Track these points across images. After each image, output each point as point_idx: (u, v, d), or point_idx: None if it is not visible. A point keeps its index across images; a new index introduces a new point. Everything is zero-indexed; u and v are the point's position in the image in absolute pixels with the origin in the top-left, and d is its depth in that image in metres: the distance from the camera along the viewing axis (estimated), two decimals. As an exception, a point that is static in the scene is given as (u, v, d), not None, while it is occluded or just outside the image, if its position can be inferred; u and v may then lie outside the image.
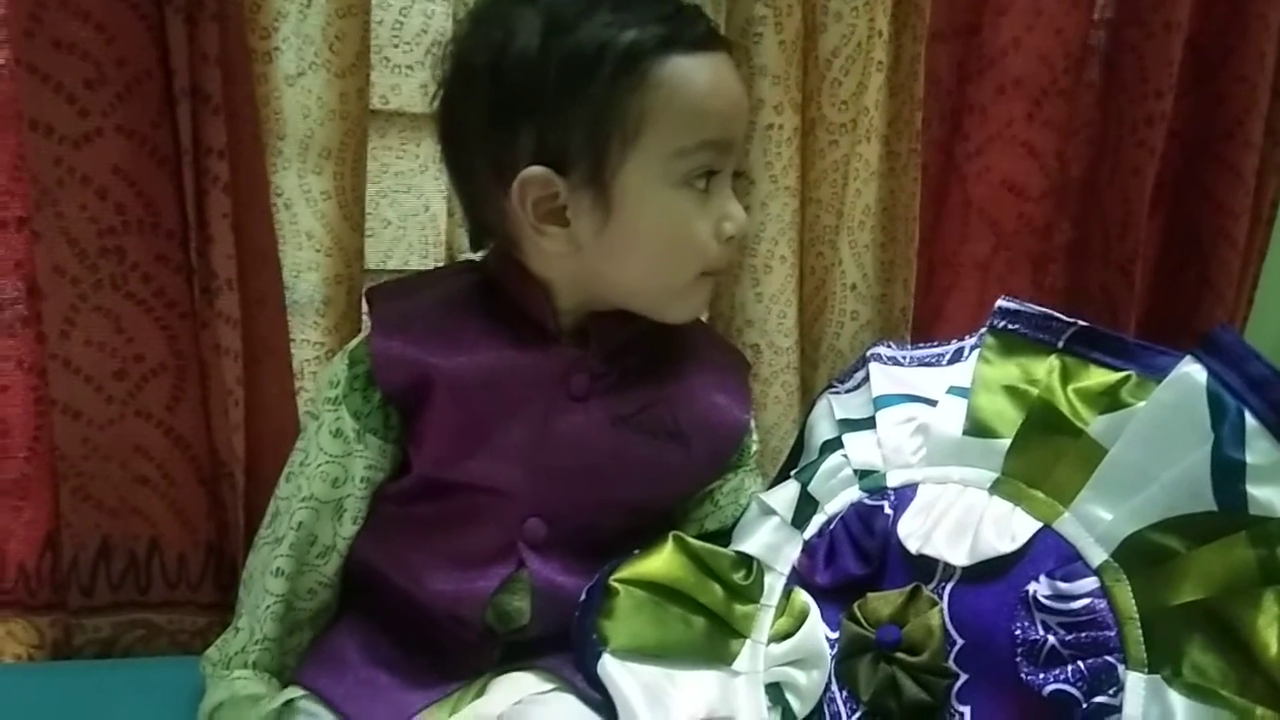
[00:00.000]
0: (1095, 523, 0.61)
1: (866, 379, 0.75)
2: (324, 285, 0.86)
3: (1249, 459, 0.56)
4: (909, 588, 0.65)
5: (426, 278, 0.78)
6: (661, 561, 0.69)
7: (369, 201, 0.88)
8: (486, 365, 0.69)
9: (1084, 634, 0.58)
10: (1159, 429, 0.60)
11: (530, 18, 0.65)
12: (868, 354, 0.77)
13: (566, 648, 0.70)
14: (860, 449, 0.72)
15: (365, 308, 0.78)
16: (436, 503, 0.72)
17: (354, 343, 0.72)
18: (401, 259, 0.95)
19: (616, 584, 0.68)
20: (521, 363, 0.70)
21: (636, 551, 0.70)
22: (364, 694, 0.70)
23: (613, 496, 0.72)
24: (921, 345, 0.77)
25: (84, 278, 0.78)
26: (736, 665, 0.69)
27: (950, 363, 0.73)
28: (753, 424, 0.78)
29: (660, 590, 0.69)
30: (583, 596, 0.69)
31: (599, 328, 0.71)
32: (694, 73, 0.66)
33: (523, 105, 0.66)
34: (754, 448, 0.79)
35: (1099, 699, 0.57)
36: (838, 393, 0.77)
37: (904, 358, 0.76)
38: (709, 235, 0.69)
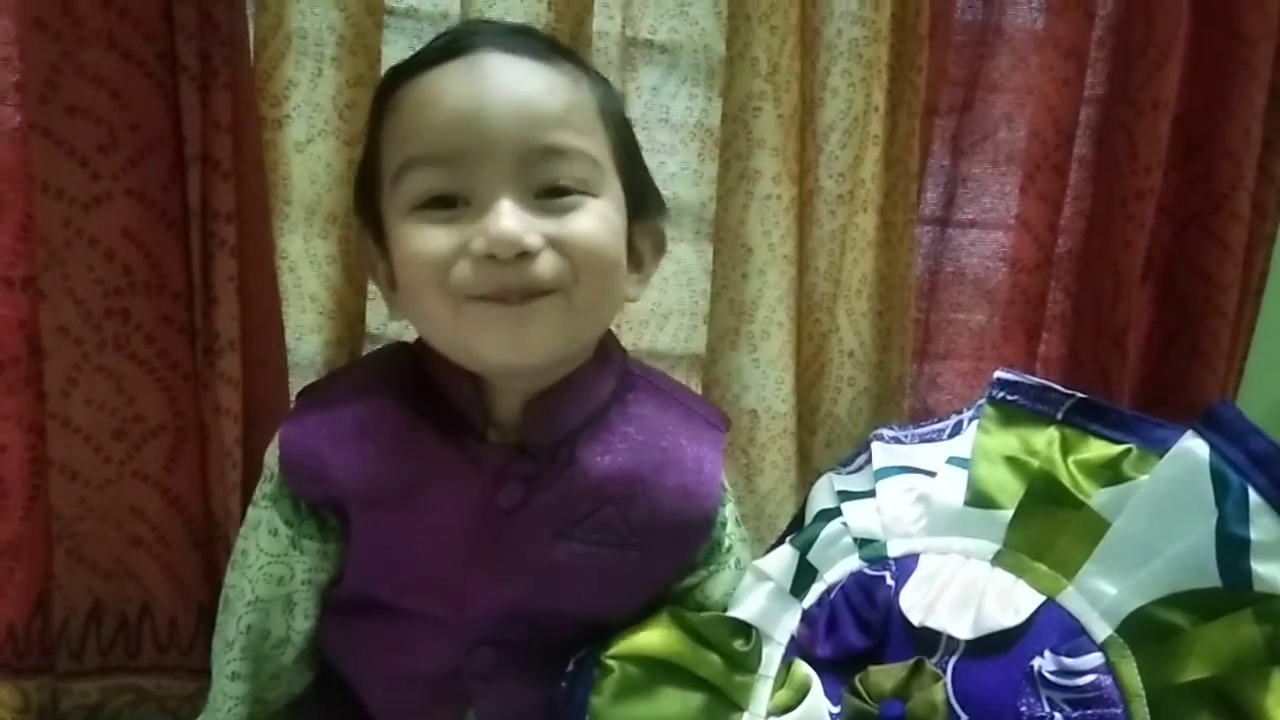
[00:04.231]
0: (1099, 597, 0.61)
1: (869, 461, 0.75)
2: (326, 348, 0.86)
3: (1253, 535, 0.57)
4: (912, 661, 0.64)
5: (351, 370, 0.71)
6: (657, 635, 0.67)
7: (370, 266, 0.88)
8: (402, 477, 0.62)
9: (1090, 711, 0.58)
10: (1162, 503, 0.60)
11: None
12: (870, 437, 0.77)
13: None
14: (859, 517, 0.72)
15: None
16: (376, 623, 0.66)
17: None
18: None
19: (610, 660, 0.66)
20: (444, 471, 0.62)
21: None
22: None
23: (566, 613, 0.66)
24: (923, 424, 0.77)
25: (88, 338, 0.78)
26: (736, 739, 0.68)
27: (950, 436, 0.74)
28: (725, 512, 0.69)
29: (655, 665, 0.67)
30: (570, 667, 0.67)
31: (535, 417, 0.62)
32: (418, 87, 0.58)
33: None
34: (726, 543, 0.70)
35: (1106, 777, 0.56)
36: (840, 474, 0.77)
37: (906, 436, 0.76)
38: (448, 250, 0.57)
